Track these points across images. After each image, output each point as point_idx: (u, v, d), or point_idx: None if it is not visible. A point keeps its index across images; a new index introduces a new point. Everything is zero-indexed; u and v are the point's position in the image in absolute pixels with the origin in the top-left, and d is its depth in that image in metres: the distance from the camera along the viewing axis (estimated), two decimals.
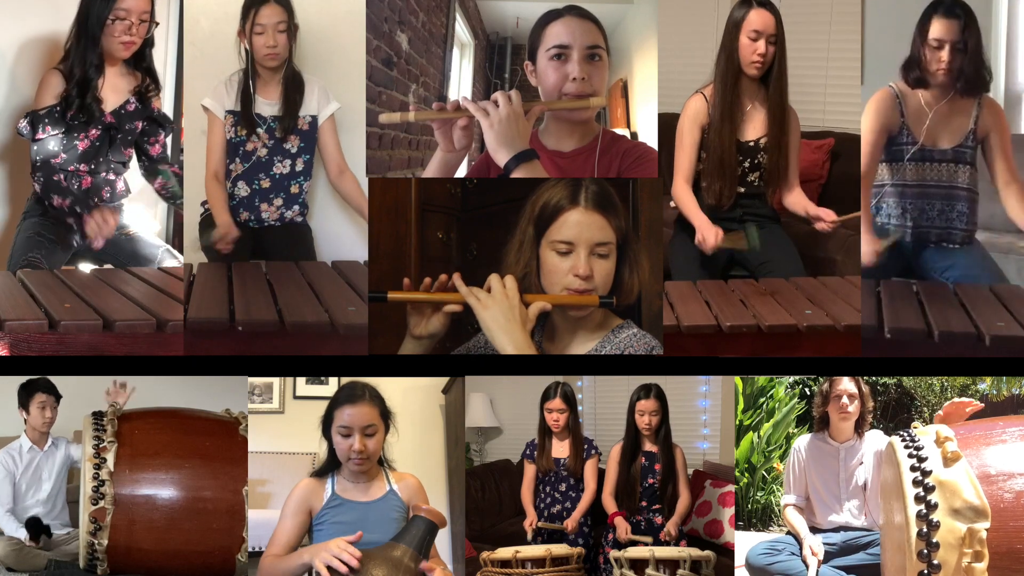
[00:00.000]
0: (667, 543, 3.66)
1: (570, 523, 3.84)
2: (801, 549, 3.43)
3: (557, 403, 3.97)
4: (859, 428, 3.59)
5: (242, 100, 3.75)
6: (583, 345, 2.78)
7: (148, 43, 3.79)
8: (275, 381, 4.62)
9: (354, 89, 3.71)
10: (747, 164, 3.83)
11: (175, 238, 4.11)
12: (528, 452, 4.05)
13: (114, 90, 3.78)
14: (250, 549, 3.24)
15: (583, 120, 3.17)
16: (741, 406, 4.62)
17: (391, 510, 2.93)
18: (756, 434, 4.71)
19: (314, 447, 4.06)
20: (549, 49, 3.09)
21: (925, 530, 2.46)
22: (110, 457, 3.16)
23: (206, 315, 3.24)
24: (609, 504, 3.84)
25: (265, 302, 3.32)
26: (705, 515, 4.03)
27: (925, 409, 4.88)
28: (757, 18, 3.73)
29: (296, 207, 3.83)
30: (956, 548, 2.45)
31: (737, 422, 4.55)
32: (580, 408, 4.16)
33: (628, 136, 4.11)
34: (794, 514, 3.55)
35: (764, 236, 3.78)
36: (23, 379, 3.69)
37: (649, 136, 3.91)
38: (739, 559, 3.59)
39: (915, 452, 2.59)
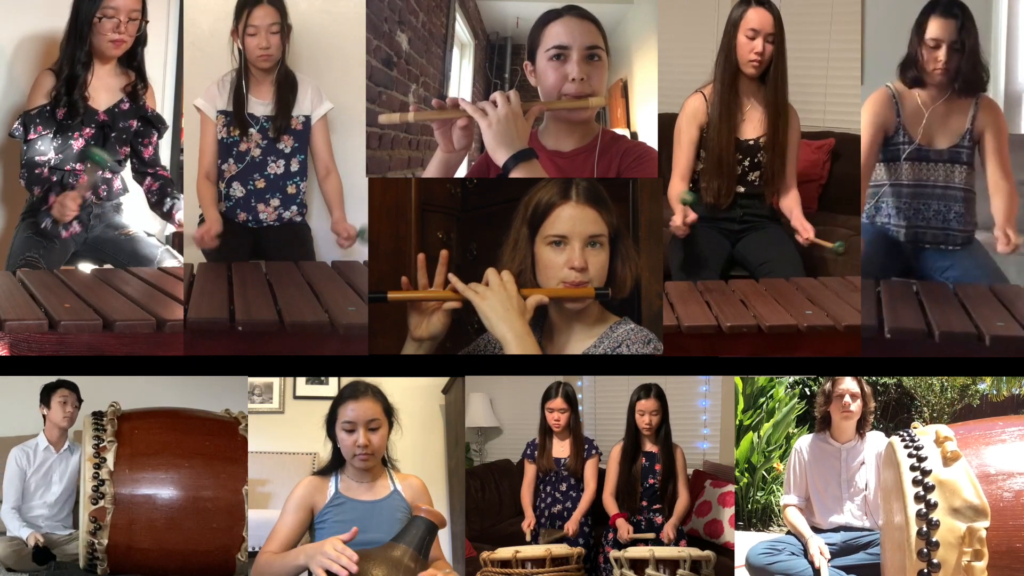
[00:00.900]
0: (667, 543, 3.65)
1: (570, 525, 3.84)
2: (807, 551, 3.43)
3: (558, 403, 3.97)
4: (860, 428, 3.59)
5: (235, 100, 3.75)
6: (582, 342, 2.79)
7: (141, 42, 3.79)
8: (275, 381, 4.62)
9: (354, 89, 3.71)
10: (747, 163, 3.83)
11: (175, 238, 4.11)
12: (529, 452, 4.05)
13: (107, 89, 3.79)
14: (250, 549, 3.24)
15: (582, 120, 3.17)
16: (741, 406, 4.62)
17: (395, 510, 2.93)
18: (756, 434, 4.71)
19: (314, 447, 4.07)
20: (548, 49, 3.09)
21: (925, 529, 2.47)
22: (110, 457, 3.16)
23: (206, 315, 3.24)
24: (610, 505, 3.84)
25: (265, 302, 3.32)
26: (705, 515, 4.03)
27: (925, 409, 4.89)
28: (755, 16, 3.73)
29: (294, 207, 3.83)
30: (956, 547, 2.45)
31: (737, 422, 4.55)
32: (580, 408, 4.16)
33: (628, 136, 4.11)
34: (796, 515, 3.55)
35: (760, 238, 3.79)
36: (24, 379, 3.69)
37: (649, 136, 3.91)
38: (739, 559, 3.59)
39: (915, 452, 2.59)
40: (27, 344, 3.14)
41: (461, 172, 3.23)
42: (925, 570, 2.46)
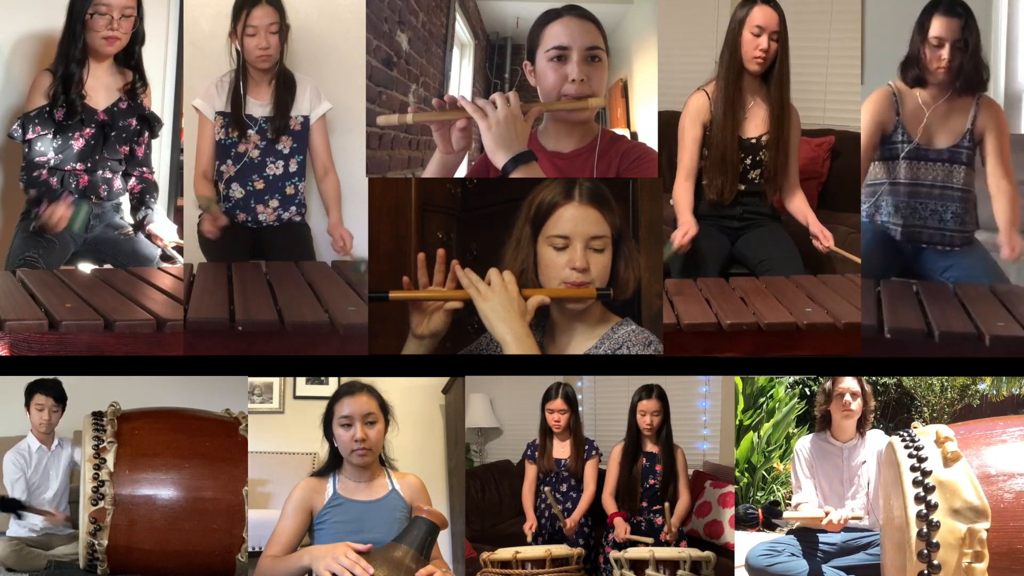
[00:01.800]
0: (667, 544, 3.65)
1: (569, 523, 3.84)
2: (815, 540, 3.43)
3: (558, 403, 3.97)
4: (861, 427, 3.59)
5: (233, 101, 3.75)
6: (583, 343, 2.79)
7: (138, 40, 3.79)
8: (275, 381, 4.62)
9: (354, 89, 3.71)
10: (748, 161, 3.83)
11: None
12: (529, 452, 4.05)
13: (105, 88, 3.78)
14: (250, 549, 3.24)
15: (582, 121, 3.16)
16: (741, 406, 4.63)
17: (393, 510, 2.93)
18: (756, 434, 4.71)
19: (314, 447, 4.07)
20: (548, 50, 3.08)
21: (925, 530, 2.46)
22: (110, 457, 3.16)
23: (206, 315, 3.23)
24: (609, 505, 3.84)
25: (265, 302, 3.32)
26: (705, 516, 4.03)
27: (925, 409, 4.89)
28: (760, 14, 3.74)
29: (293, 207, 3.83)
30: (956, 548, 2.44)
31: (737, 422, 4.56)
32: (580, 409, 4.16)
33: (628, 136, 4.11)
34: (804, 507, 3.53)
35: (760, 236, 3.80)
36: (23, 379, 3.70)
37: (649, 136, 3.91)
38: (739, 559, 3.60)
39: (915, 452, 2.59)
40: (27, 344, 3.13)
41: (461, 172, 3.23)
42: (925, 571, 2.45)
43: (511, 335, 2.65)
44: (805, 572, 3.40)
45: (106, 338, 3.16)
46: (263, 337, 3.22)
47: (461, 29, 4.22)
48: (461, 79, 4.34)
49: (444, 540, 3.67)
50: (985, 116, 3.76)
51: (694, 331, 3.32)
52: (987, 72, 3.76)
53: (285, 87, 3.77)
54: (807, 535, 3.52)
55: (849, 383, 3.57)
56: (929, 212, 3.77)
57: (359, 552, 2.68)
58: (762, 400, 4.77)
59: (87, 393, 3.68)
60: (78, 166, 3.74)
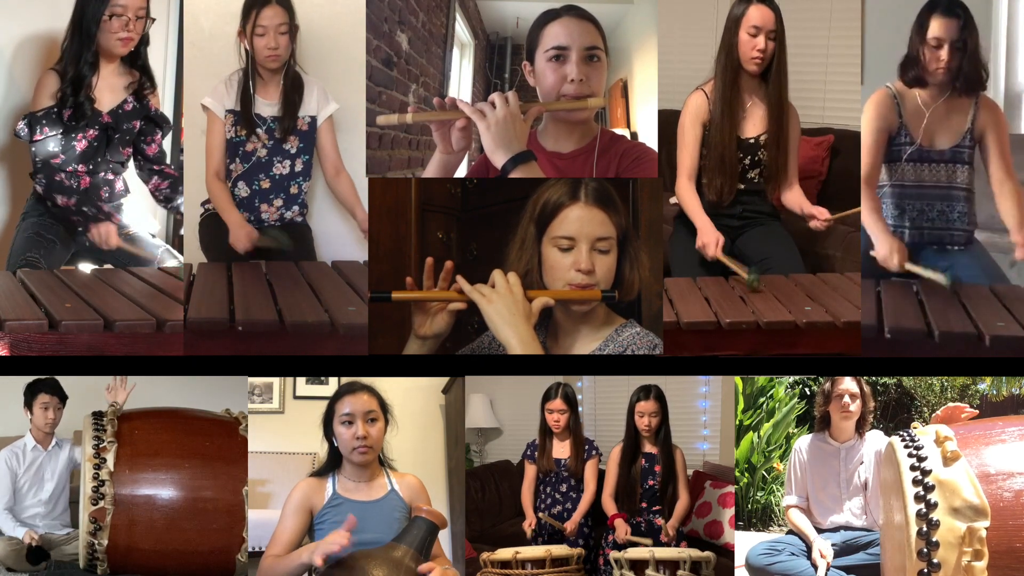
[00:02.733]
0: (667, 544, 3.65)
1: (570, 525, 3.84)
2: (809, 552, 3.42)
3: (558, 404, 3.97)
4: (860, 428, 3.59)
5: (242, 100, 3.74)
6: (587, 344, 2.78)
7: (144, 41, 3.78)
8: (275, 381, 4.63)
9: (354, 89, 3.72)
10: (747, 161, 3.83)
11: (175, 238, 4.11)
12: (529, 453, 4.05)
13: (111, 89, 3.78)
14: (250, 549, 3.24)
15: (582, 121, 3.16)
16: (741, 406, 4.63)
17: (393, 510, 2.93)
18: (756, 434, 4.71)
19: (314, 447, 4.07)
20: (547, 50, 3.07)
21: (925, 529, 2.46)
22: (110, 457, 3.16)
23: (206, 315, 3.24)
24: (609, 505, 3.84)
25: (265, 302, 3.32)
26: (705, 516, 4.03)
27: (925, 409, 4.89)
28: (757, 14, 3.73)
29: (296, 207, 3.83)
30: (956, 547, 2.44)
31: (737, 422, 4.56)
32: (580, 409, 4.16)
33: (628, 136, 4.11)
34: (798, 515, 3.55)
35: (760, 235, 3.79)
36: (26, 379, 3.69)
37: (649, 136, 3.91)
38: (739, 559, 3.60)
39: (915, 452, 2.59)
40: (27, 344, 3.14)
41: (461, 172, 3.23)
42: (925, 570, 2.45)
43: (516, 338, 2.63)
44: (805, 572, 3.40)
45: (106, 338, 3.16)
46: (263, 337, 3.22)
47: (461, 29, 4.22)
48: (461, 79, 4.35)
49: (444, 540, 3.68)
50: (984, 116, 3.76)
51: (694, 330, 3.32)
52: (986, 72, 3.76)
53: (294, 87, 3.77)
54: None
55: (848, 384, 3.57)
56: (936, 213, 3.77)
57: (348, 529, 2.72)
58: (762, 400, 4.78)
59: (87, 393, 3.68)
60: (80, 167, 3.75)
